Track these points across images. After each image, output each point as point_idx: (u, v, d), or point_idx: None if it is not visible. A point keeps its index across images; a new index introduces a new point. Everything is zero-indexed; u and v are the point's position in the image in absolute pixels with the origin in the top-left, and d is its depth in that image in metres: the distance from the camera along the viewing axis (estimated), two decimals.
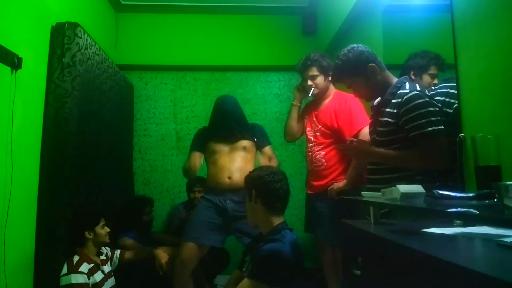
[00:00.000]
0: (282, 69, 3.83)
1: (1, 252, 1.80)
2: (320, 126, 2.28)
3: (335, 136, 2.21)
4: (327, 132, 2.24)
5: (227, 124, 2.42)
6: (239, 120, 2.47)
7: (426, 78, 1.74)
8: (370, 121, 1.78)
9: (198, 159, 2.51)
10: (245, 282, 1.63)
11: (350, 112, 2.17)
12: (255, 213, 1.80)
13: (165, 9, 3.73)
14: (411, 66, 1.77)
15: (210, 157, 2.50)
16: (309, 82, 2.30)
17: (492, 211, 0.84)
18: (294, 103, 2.46)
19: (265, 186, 1.76)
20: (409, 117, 1.47)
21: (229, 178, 2.38)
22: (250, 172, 1.89)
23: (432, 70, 1.74)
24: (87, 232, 2.17)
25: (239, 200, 2.35)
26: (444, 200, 1.00)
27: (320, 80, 2.28)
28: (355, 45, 1.70)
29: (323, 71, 2.27)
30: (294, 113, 2.46)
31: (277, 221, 1.76)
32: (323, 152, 2.25)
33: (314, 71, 2.28)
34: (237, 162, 2.42)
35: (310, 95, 2.33)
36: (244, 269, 1.83)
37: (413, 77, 1.73)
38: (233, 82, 3.85)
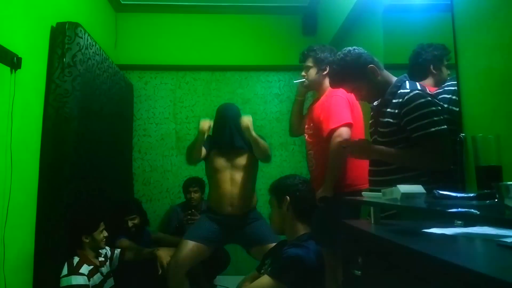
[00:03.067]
0: (282, 69, 3.83)
1: (1, 251, 1.80)
2: (312, 124, 2.21)
3: (320, 134, 2.11)
4: (316, 130, 2.15)
5: (227, 130, 2.40)
6: (239, 129, 2.42)
7: (444, 70, 1.70)
8: (370, 121, 1.76)
9: (202, 149, 2.42)
10: (265, 278, 1.66)
11: (330, 108, 2.04)
12: (283, 220, 1.82)
13: (165, 9, 3.73)
14: (429, 60, 1.70)
15: (211, 175, 2.48)
16: (303, 73, 2.25)
17: (493, 211, 0.84)
18: (296, 97, 2.40)
19: (299, 194, 1.78)
20: (411, 117, 1.44)
21: (231, 206, 2.39)
22: (281, 178, 1.89)
23: (446, 61, 1.68)
24: (84, 237, 2.16)
25: (242, 223, 2.42)
26: (445, 200, 1.00)
27: (312, 72, 2.19)
28: (350, 48, 1.66)
29: (317, 63, 2.17)
30: (295, 108, 2.40)
31: (303, 230, 1.77)
32: (312, 152, 2.18)
33: (309, 62, 2.21)
34: (238, 187, 2.41)
35: (295, 81, 2.29)
36: (262, 271, 1.83)
37: (434, 71, 1.68)
38: (233, 82, 3.85)
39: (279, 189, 1.85)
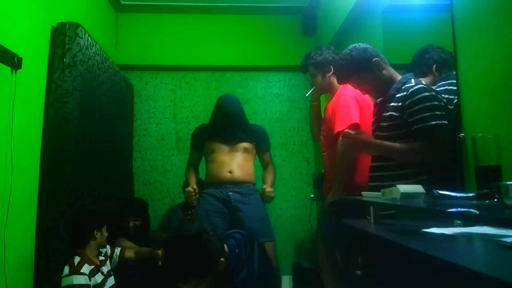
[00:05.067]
0: (282, 69, 3.83)
1: (1, 251, 1.80)
2: (325, 126, 2.22)
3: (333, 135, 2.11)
4: (329, 131, 2.16)
5: (228, 126, 2.40)
6: (241, 122, 2.45)
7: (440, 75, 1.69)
8: (373, 118, 1.76)
9: (197, 161, 2.51)
10: None
11: (337, 109, 2.03)
12: None
13: (165, 9, 3.73)
14: (435, 59, 1.70)
15: (209, 155, 2.47)
16: (310, 82, 2.28)
17: (492, 211, 0.84)
18: (310, 103, 2.40)
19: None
20: (414, 110, 1.46)
21: (230, 172, 2.36)
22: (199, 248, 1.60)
23: (448, 69, 1.67)
24: (96, 230, 2.17)
25: (242, 191, 2.35)
26: (444, 200, 1.00)
27: (318, 78, 2.22)
28: (356, 44, 1.69)
29: (319, 68, 2.19)
30: (312, 113, 2.40)
31: None
32: (326, 153, 2.19)
33: (311, 70, 2.23)
34: (237, 159, 2.40)
35: (307, 95, 2.32)
36: None
37: (435, 71, 1.69)
38: (233, 82, 3.85)
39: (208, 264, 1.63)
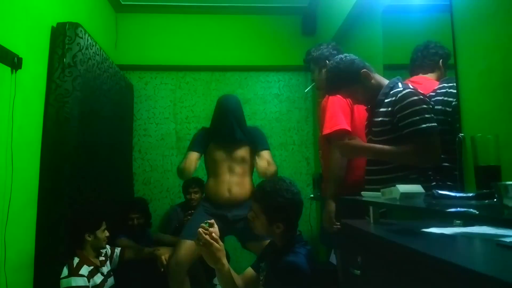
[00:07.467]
0: (282, 69, 3.83)
1: (1, 252, 1.80)
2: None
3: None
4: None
5: (228, 122, 2.40)
6: (240, 121, 2.46)
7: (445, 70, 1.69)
8: (365, 123, 1.78)
9: (194, 160, 2.42)
10: None
11: (325, 110, 2.00)
12: (274, 233, 1.62)
13: (165, 9, 3.73)
14: (440, 54, 1.68)
15: (210, 166, 2.49)
16: (311, 78, 2.28)
17: (492, 211, 0.84)
18: (317, 99, 2.42)
19: (292, 215, 1.60)
20: (404, 114, 1.48)
21: (228, 191, 2.39)
22: (272, 190, 1.61)
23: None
24: (87, 235, 2.16)
25: (240, 211, 2.37)
26: (444, 200, 1.01)
27: (316, 73, 2.19)
28: (341, 55, 1.70)
29: (316, 63, 2.16)
30: (318, 110, 2.35)
31: (292, 233, 1.66)
32: (320, 151, 2.19)
33: (311, 66, 2.23)
34: (236, 176, 2.42)
35: (306, 90, 2.32)
36: (262, 277, 1.79)
37: (442, 66, 1.68)
38: (233, 82, 3.86)
39: (272, 209, 1.58)
